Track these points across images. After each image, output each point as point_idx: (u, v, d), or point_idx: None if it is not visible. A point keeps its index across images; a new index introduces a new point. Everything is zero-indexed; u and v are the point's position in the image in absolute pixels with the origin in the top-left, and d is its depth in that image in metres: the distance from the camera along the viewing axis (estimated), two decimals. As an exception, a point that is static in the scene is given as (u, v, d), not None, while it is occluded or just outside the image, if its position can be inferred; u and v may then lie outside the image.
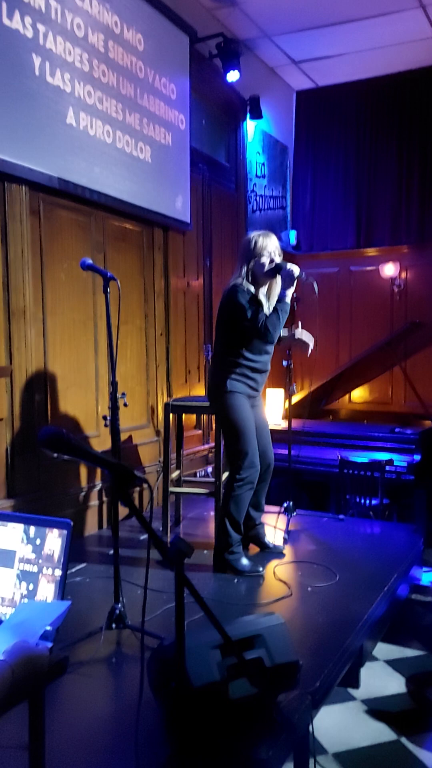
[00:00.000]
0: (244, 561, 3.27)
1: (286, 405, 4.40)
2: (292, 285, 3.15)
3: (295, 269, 3.15)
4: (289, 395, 4.27)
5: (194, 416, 5.26)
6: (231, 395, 3.20)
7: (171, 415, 4.01)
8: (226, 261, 5.66)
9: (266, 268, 3.17)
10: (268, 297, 3.27)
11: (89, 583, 3.17)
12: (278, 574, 3.26)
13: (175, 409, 3.99)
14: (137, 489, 4.38)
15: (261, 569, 3.27)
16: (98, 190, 3.91)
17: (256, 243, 3.16)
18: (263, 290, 3.26)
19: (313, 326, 6.70)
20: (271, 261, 3.18)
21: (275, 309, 3.14)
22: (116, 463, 1.45)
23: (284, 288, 3.17)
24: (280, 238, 6.63)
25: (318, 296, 3.25)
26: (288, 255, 6.83)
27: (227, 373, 3.23)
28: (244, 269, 3.20)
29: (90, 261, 2.72)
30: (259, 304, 3.16)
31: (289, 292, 3.16)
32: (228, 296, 3.17)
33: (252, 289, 3.15)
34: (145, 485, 1.55)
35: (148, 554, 1.67)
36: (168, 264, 4.81)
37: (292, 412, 4.36)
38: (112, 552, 2.69)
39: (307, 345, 3.40)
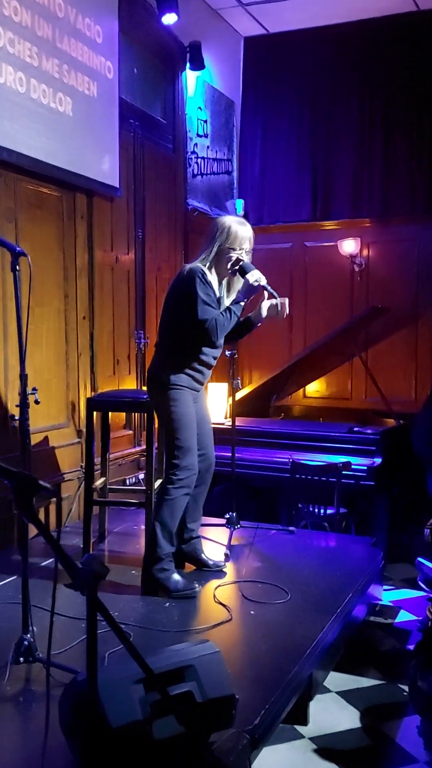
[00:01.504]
0: (177, 578, 3.29)
1: (230, 401, 4.43)
2: (252, 291, 3.26)
3: (262, 280, 3.25)
4: (232, 390, 4.31)
5: (123, 414, 5.25)
6: (174, 390, 3.26)
7: (95, 412, 3.98)
8: (162, 233, 5.65)
9: (232, 265, 3.26)
10: (228, 292, 3.38)
11: (-5, 611, 3.13)
12: (218, 596, 3.29)
13: (100, 406, 3.98)
14: (53, 500, 4.34)
15: (196, 587, 3.30)
16: (8, 147, 3.85)
17: (230, 232, 3.25)
18: (223, 283, 3.35)
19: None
20: (237, 261, 3.26)
21: (228, 309, 3.23)
22: (15, 471, 1.44)
23: (243, 294, 3.27)
24: (224, 207, 6.65)
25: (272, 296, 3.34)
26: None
27: (172, 365, 3.28)
28: (211, 255, 3.25)
29: (-6, 232, 2.68)
30: (217, 301, 3.26)
31: (247, 299, 3.28)
32: (185, 280, 3.21)
33: (214, 281, 3.21)
34: (52, 498, 1.53)
35: (55, 576, 1.66)
36: (93, 235, 4.78)
37: (236, 410, 4.39)
38: (18, 576, 2.66)
39: (275, 301, 3.42)
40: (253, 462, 5.04)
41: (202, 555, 3.61)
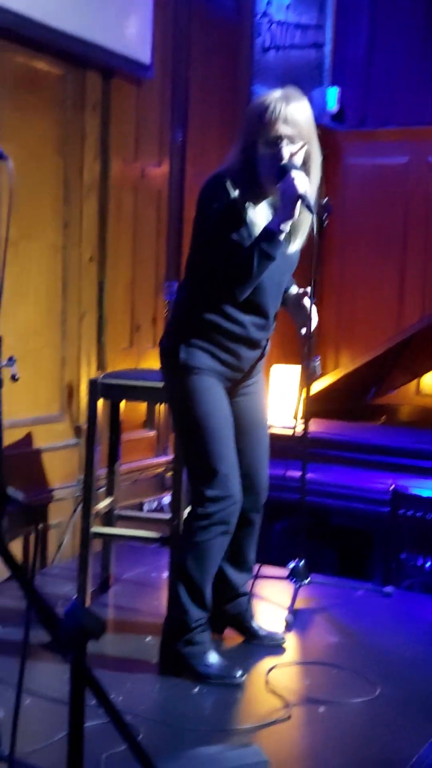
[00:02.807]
0: (211, 658, 3.30)
1: (302, 395, 4.40)
2: (292, 209, 3.08)
3: (300, 181, 3.05)
4: (307, 378, 4.28)
5: (143, 406, 5.28)
6: (189, 372, 3.23)
7: (101, 401, 3.98)
8: (212, 135, 5.65)
9: (276, 162, 3.11)
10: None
11: None
12: (271, 683, 3.29)
13: (109, 392, 3.99)
14: (38, 526, 4.40)
15: (239, 674, 3.30)
16: (-12, 1, 3.88)
17: (263, 114, 3.14)
18: (262, 205, 3.23)
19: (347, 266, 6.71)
20: (279, 157, 3.09)
21: (254, 247, 3.07)
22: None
23: (281, 212, 3.09)
24: (309, 100, 6.58)
25: (317, 240, 3.24)
26: (323, 130, 6.81)
27: (187, 333, 3.25)
28: (238, 155, 3.21)
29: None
30: (243, 224, 3.14)
31: (287, 224, 3.10)
32: (199, 194, 3.20)
33: (236, 193, 3.12)
34: (28, 514, 1.54)
35: (26, 634, 1.70)
36: (109, 136, 4.78)
37: (311, 408, 4.37)
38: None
39: (304, 315, 3.39)
40: (334, 488, 5.03)
41: (252, 622, 3.61)
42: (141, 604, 4.06)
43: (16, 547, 4.29)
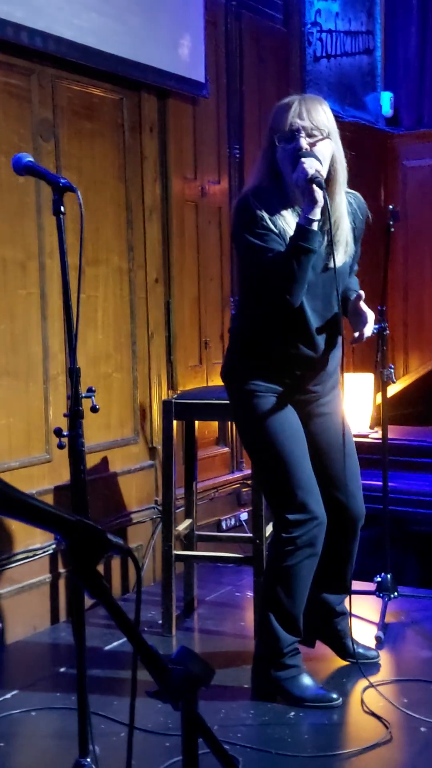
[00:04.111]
0: (306, 681, 3.27)
1: (378, 402, 4.35)
2: (310, 195, 2.98)
3: (308, 164, 2.97)
4: (383, 385, 4.22)
5: (215, 424, 5.26)
6: (250, 396, 3.21)
7: (175, 422, 3.98)
8: (270, 149, 5.61)
9: (294, 154, 3.01)
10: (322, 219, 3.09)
11: (34, 720, 3.18)
12: (368, 704, 3.24)
13: (183, 412, 4.00)
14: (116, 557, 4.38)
15: (335, 696, 3.26)
16: (41, 30, 3.88)
17: (278, 114, 3.10)
18: (291, 212, 3.14)
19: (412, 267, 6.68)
20: (296, 148, 3.02)
21: (290, 247, 3.01)
22: (72, 521, 1.44)
23: (304, 204, 3.02)
24: (364, 106, 6.57)
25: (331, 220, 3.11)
26: (380, 134, 6.77)
27: (243, 353, 3.25)
28: (261, 163, 3.20)
29: (30, 159, 2.70)
30: (279, 237, 3.08)
31: (315, 212, 2.99)
32: (231, 225, 3.24)
33: (265, 210, 3.07)
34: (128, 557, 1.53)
35: (133, 679, 1.66)
36: (168, 156, 4.79)
37: (388, 415, 4.31)
38: (69, 668, 2.68)
39: (359, 321, 3.24)
40: (414, 495, 4.97)
41: (347, 640, 3.55)
42: (227, 627, 4.06)
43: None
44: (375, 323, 3.99)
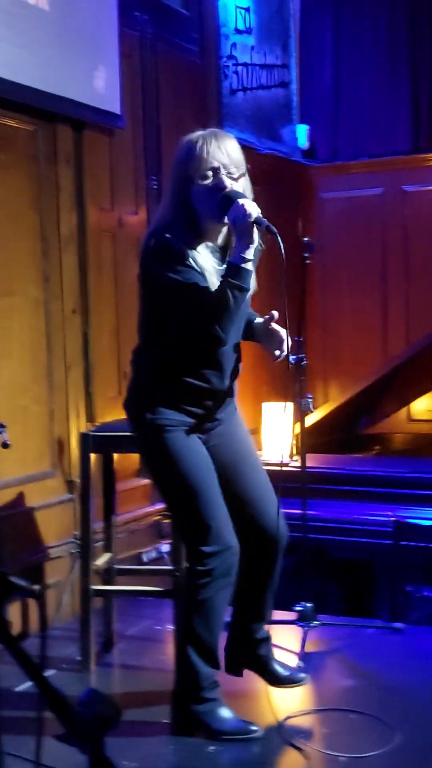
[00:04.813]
0: (225, 714, 3.22)
1: (297, 431, 4.37)
2: (249, 236, 3.01)
3: (250, 207, 3.00)
4: (301, 415, 4.23)
5: (135, 456, 5.19)
6: (160, 430, 3.16)
7: (94, 454, 3.95)
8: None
9: (218, 200, 3.03)
10: (222, 258, 3.16)
11: None
12: (289, 734, 3.21)
13: (101, 444, 3.96)
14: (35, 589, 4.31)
15: (254, 728, 3.22)
16: None
17: (192, 150, 3.08)
18: (205, 248, 3.14)
19: (329, 298, 6.74)
20: (220, 186, 3.04)
21: (224, 285, 3.00)
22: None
23: (238, 243, 3.05)
24: (280, 138, 6.63)
25: (284, 260, 3.12)
26: (296, 167, 6.83)
27: (152, 391, 3.19)
28: (170, 202, 3.14)
29: None
30: (200, 274, 3.06)
31: (250, 252, 3.03)
32: (144, 262, 3.10)
33: (184, 247, 3.05)
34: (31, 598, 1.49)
35: (39, 722, 1.62)
36: (84, 187, 4.79)
37: (306, 443, 4.33)
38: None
39: (275, 340, 3.24)
40: (334, 523, 5.00)
41: (273, 664, 3.53)
42: (147, 661, 4.00)
43: (14, 612, 4.21)
44: (293, 353, 4.04)
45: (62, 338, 4.65)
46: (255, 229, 3.00)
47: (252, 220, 2.98)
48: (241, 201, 2.99)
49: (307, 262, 3.53)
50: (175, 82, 5.58)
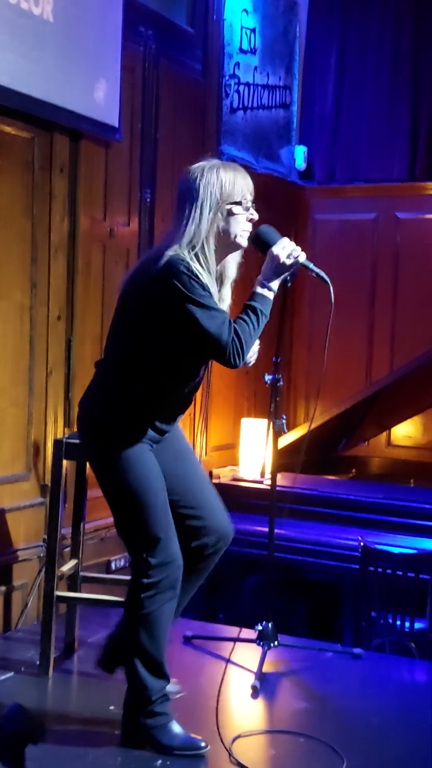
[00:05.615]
0: (175, 729, 3.22)
1: (270, 450, 4.35)
2: (286, 273, 3.19)
3: (299, 254, 3.16)
4: (275, 434, 4.22)
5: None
6: (120, 440, 3.16)
7: (66, 461, 3.94)
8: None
9: (246, 232, 3.14)
10: (220, 282, 3.20)
11: None
12: (237, 753, 3.19)
13: (75, 452, 3.94)
14: (2, 587, 4.32)
15: (203, 745, 3.21)
16: None
17: (221, 180, 3.09)
18: (210, 269, 3.14)
19: (317, 318, 6.73)
20: (253, 219, 3.15)
21: (248, 310, 3.10)
22: None
23: (271, 275, 3.17)
24: (278, 158, 6.64)
25: (333, 304, 3.30)
26: (292, 187, 6.85)
27: (125, 405, 3.16)
28: (195, 228, 3.09)
29: None
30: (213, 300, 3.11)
31: (275, 283, 3.17)
32: (160, 278, 3.02)
33: (201, 269, 3.06)
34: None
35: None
36: (77, 196, 4.79)
37: (278, 463, 4.32)
38: None
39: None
40: (302, 544, 4.99)
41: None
42: (106, 668, 3.98)
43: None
44: (270, 374, 4.07)
45: (45, 344, 4.65)
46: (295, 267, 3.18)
47: (301, 262, 3.18)
48: (282, 242, 3.16)
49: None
50: (176, 98, 5.58)
